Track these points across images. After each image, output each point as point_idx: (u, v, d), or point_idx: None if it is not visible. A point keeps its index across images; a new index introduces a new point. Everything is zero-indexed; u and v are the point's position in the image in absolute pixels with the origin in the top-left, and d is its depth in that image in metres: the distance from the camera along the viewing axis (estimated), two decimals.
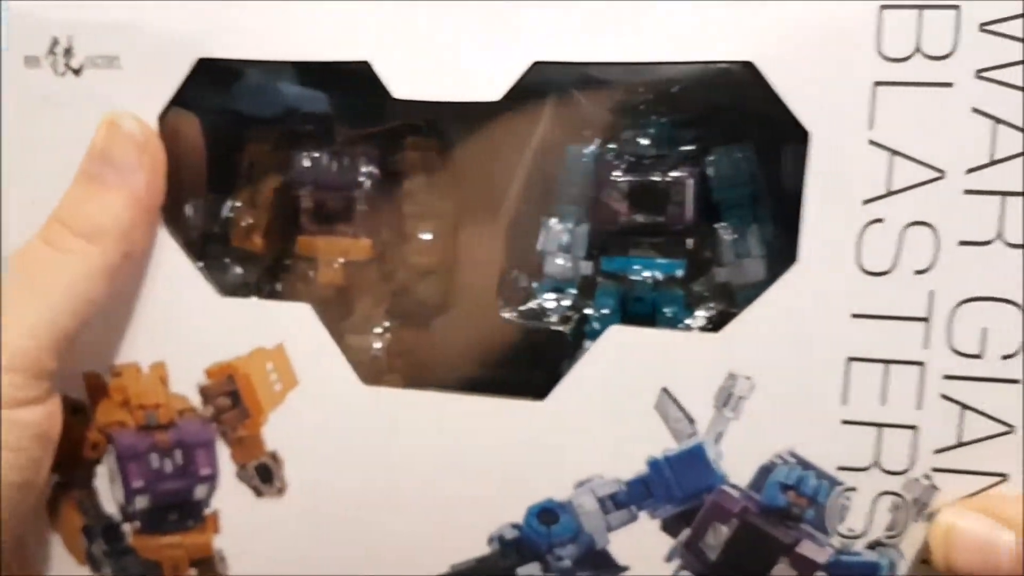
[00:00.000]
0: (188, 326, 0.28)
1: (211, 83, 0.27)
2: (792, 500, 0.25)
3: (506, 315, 0.27)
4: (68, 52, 0.28)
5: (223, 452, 0.29)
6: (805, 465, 0.24)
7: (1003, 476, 0.23)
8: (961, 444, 0.23)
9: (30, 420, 0.26)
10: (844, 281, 0.23)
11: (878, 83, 0.23)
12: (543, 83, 0.25)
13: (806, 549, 0.25)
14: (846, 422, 0.24)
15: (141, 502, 0.29)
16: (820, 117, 0.23)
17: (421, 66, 0.25)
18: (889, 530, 0.24)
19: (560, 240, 0.27)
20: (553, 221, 0.27)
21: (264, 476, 0.28)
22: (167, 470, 0.29)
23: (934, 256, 0.23)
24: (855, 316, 0.24)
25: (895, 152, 0.23)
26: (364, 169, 0.28)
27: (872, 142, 0.23)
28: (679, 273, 0.26)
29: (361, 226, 0.28)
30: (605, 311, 0.27)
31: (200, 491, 0.29)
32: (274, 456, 0.28)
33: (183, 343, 0.28)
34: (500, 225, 0.27)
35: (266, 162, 0.28)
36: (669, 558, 0.26)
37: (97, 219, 0.27)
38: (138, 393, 0.29)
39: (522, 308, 0.27)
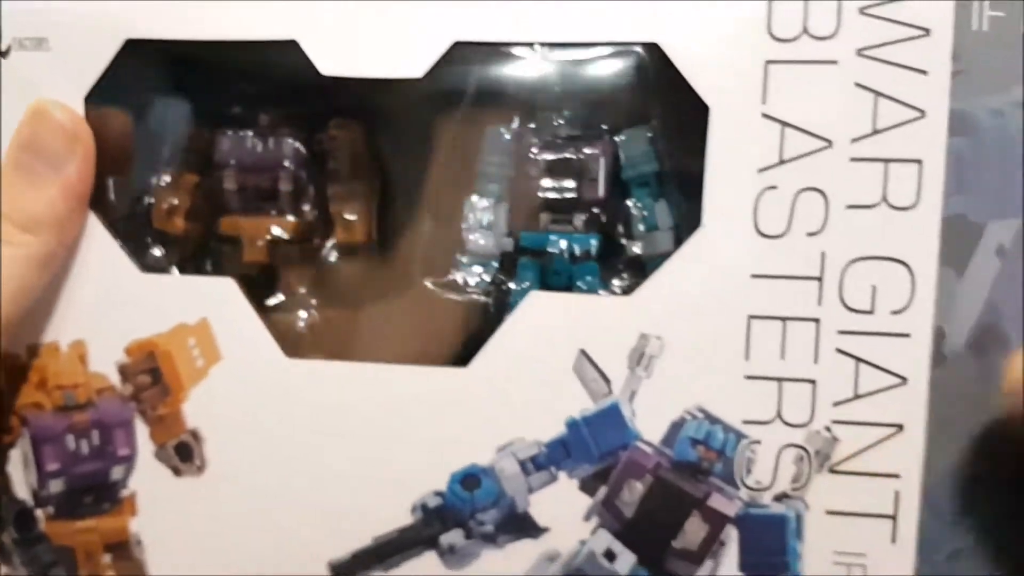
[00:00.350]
0: (108, 303, 0.28)
1: (138, 64, 0.28)
2: (702, 454, 0.26)
3: (430, 288, 0.28)
4: None
5: (142, 432, 0.29)
6: (713, 420, 0.26)
7: (899, 427, 0.25)
8: (858, 396, 0.25)
9: None
10: (743, 244, 0.25)
11: (770, 61, 0.25)
12: (464, 63, 0.27)
13: (716, 502, 0.26)
14: (749, 377, 0.26)
15: (56, 486, 0.29)
16: (718, 93, 0.25)
17: (347, 44, 0.26)
18: (794, 482, 0.26)
19: (482, 218, 0.28)
20: (475, 199, 0.28)
21: (183, 455, 0.28)
22: (83, 452, 0.29)
23: (824, 219, 0.25)
24: (754, 277, 0.25)
25: (786, 124, 0.25)
26: (289, 150, 0.28)
27: (765, 115, 0.25)
28: (594, 247, 0.28)
29: (286, 206, 0.29)
30: (525, 284, 0.28)
31: (117, 472, 0.29)
32: (194, 434, 0.28)
33: (103, 321, 0.28)
34: (423, 203, 0.28)
35: (190, 144, 0.29)
36: (587, 517, 0.27)
37: (33, 210, 0.27)
38: (56, 373, 0.29)
39: (446, 282, 0.28)
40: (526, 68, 0.27)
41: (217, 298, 0.28)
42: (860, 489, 0.25)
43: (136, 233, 0.29)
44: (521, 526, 0.27)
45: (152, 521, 0.29)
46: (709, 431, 0.26)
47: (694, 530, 0.26)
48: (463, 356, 0.27)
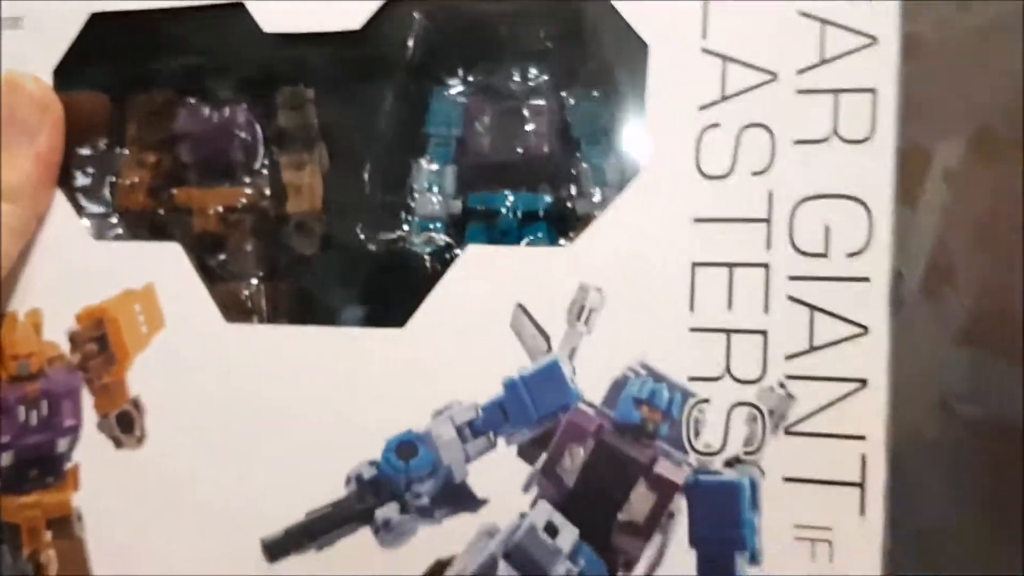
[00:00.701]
0: (64, 272, 0.28)
1: (103, 41, 0.29)
2: (646, 415, 0.24)
3: (374, 250, 0.27)
4: None
5: (88, 402, 0.28)
6: (657, 377, 0.24)
7: (862, 382, 0.23)
8: (814, 348, 0.23)
9: None
10: (685, 187, 0.24)
11: None
12: (405, 15, 0.26)
13: (663, 468, 0.24)
14: (694, 329, 0.24)
15: (6, 458, 0.29)
16: (657, 30, 0.24)
17: (288, 2, 0.27)
18: (747, 445, 0.23)
19: (429, 179, 0.27)
20: (423, 160, 0.27)
21: (124, 425, 0.28)
22: (32, 423, 0.28)
23: (771, 157, 0.23)
24: (697, 221, 0.24)
25: (728, 58, 0.24)
26: (242, 118, 0.28)
27: (706, 50, 0.24)
28: (543, 206, 0.27)
29: (239, 175, 0.29)
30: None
31: (62, 444, 0.28)
32: (136, 403, 0.28)
33: (58, 289, 0.28)
34: (370, 166, 0.28)
35: (150, 118, 0.29)
36: (527, 487, 0.25)
37: (10, 180, 0.28)
38: (12, 343, 0.29)
39: (392, 246, 0.27)
40: (468, 21, 0.27)
41: (164, 264, 0.28)
42: (821, 453, 0.23)
43: (100, 208, 0.29)
44: (459, 498, 0.25)
45: (93, 495, 0.28)
46: (653, 389, 0.24)
47: (640, 500, 0.24)
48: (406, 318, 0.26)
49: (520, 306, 0.25)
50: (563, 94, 0.27)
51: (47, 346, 0.28)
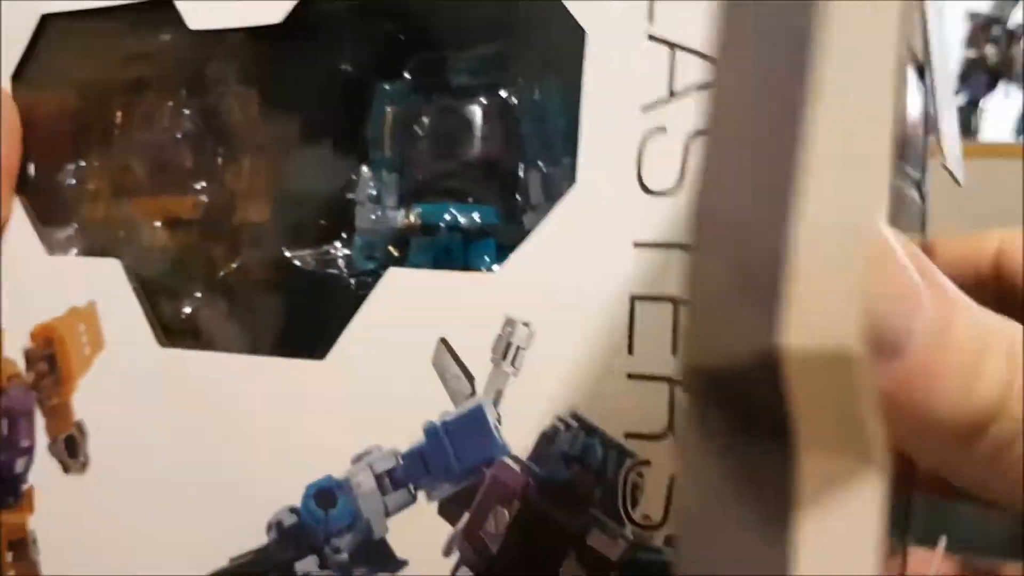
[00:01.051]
0: (22, 287, 0.27)
1: (56, 44, 0.27)
2: (577, 475, 0.20)
3: (307, 271, 0.25)
4: None
5: (40, 423, 0.27)
6: (589, 431, 0.20)
7: None
8: None
9: None
10: (625, 204, 0.20)
11: None
12: (328, 11, 0.23)
13: (596, 541, 0.20)
14: (633, 376, 0.19)
15: None
16: (596, 14, 0.20)
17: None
18: None
19: (370, 190, 0.24)
20: (364, 169, 0.24)
21: (71, 449, 0.26)
22: None
23: None
24: (639, 245, 0.19)
25: (677, 47, 0.19)
26: (188, 125, 0.26)
27: (652, 37, 0.19)
28: (480, 220, 0.23)
29: (188, 185, 0.27)
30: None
31: (20, 464, 0.27)
32: (80, 427, 0.26)
33: (15, 304, 0.27)
34: (312, 174, 0.25)
35: (102, 126, 0.28)
36: (448, 551, 0.21)
37: None
38: None
39: (326, 264, 0.25)
40: (398, 15, 0.23)
41: (104, 280, 0.26)
42: None
43: (59, 218, 0.28)
44: (378, 556, 0.22)
45: (46, 519, 0.27)
46: (586, 445, 0.20)
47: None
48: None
49: (443, 340, 0.21)
50: (504, 93, 0.23)
51: (7, 363, 0.28)
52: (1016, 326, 0.14)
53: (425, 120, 0.23)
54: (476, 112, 0.23)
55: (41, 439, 0.27)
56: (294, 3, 0.23)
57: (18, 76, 0.28)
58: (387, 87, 0.24)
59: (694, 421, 0.13)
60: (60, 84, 0.28)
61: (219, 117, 0.26)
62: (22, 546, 0.27)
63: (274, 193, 0.25)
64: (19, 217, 0.27)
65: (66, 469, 0.27)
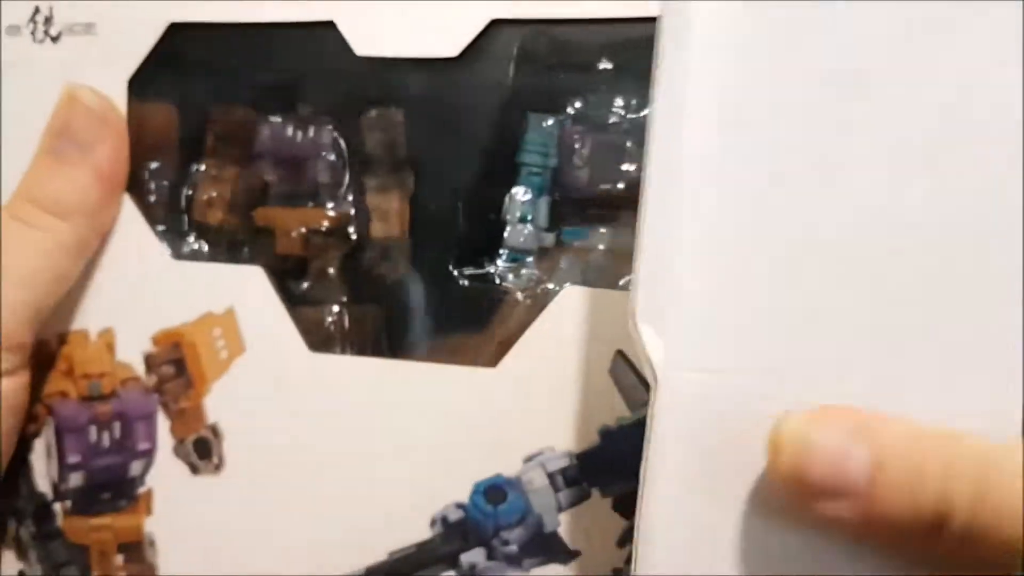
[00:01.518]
0: (139, 291, 0.28)
1: (182, 52, 0.28)
2: None
3: (463, 283, 0.26)
4: (48, 20, 0.28)
5: (163, 426, 0.27)
6: None
7: None
8: None
9: (6, 391, 0.26)
10: None
11: None
12: (502, 42, 0.25)
13: None
14: None
15: (75, 479, 0.28)
16: None
17: (383, 24, 0.25)
18: None
19: (522, 210, 0.26)
20: (516, 190, 0.26)
21: (202, 451, 0.27)
22: (104, 444, 0.28)
23: None
24: None
25: None
26: (327, 139, 0.27)
27: None
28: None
29: (323, 197, 0.28)
30: (566, 284, 0.26)
31: (136, 467, 0.28)
32: (214, 429, 0.27)
33: (133, 308, 0.28)
34: (460, 194, 0.27)
35: (230, 133, 0.28)
36: (622, 542, 0.24)
37: (65, 196, 0.27)
38: (83, 361, 0.28)
39: (481, 277, 0.26)
40: (567, 48, 0.25)
41: (245, 287, 0.27)
42: None
43: (175, 222, 0.29)
44: (549, 548, 0.24)
45: (166, 521, 0.27)
46: None
47: None
48: (496, 356, 0.25)
49: (620, 352, 0.24)
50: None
51: (120, 367, 0.28)
52: (949, 437, 0.16)
53: (583, 148, 0.26)
54: (627, 145, 0.25)
55: (165, 442, 0.27)
56: (472, 37, 0.25)
57: (138, 80, 0.28)
58: (544, 113, 0.26)
59: None
60: (180, 93, 0.28)
61: (361, 133, 0.27)
62: (136, 549, 0.28)
63: (414, 211, 0.27)
64: (137, 223, 0.28)
65: (195, 471, 0.27)
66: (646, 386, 0.23)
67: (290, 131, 0.28)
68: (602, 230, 0.26)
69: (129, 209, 0.28)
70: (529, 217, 0.26)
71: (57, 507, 0.28)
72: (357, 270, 0.27)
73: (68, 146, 0.27)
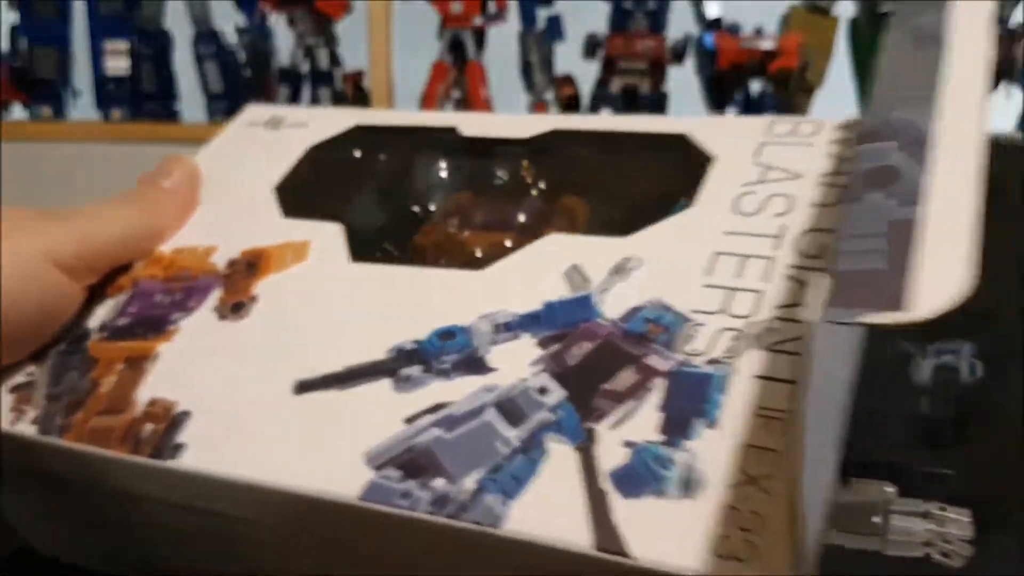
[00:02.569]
0: (246, 229, 0.38)
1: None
2: (650, 329, 0.29)
3: None
4: (276, 120, 0.44)
5: (216, 294, 0.35)
6: (667, 308, 0.29)
7: None
8: (797, 305, 0.28)
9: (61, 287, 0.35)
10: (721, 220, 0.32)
11: None
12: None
13: (652, 360, 0.28)
14: (707, 286, 0.30)
15: (123, 320, 0.35)
16: None
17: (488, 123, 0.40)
18: (728, 353, 0.27)
19: None
20: None
21: (236, 309, 0.34)
22: (164, 303, 0.35)
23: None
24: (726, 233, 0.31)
25: None
26: (524, 207, 0.40)
27: None
28: None
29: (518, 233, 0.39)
30: None
31: (176, 316, 0.34)
32: (253, 297, 0.34)
33: (237, 236, 0.37)
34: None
35: (447, 203, 0.41)
36: (534, 363, 0.29)
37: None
38: (184, 260, 0.37)
39: None
40: None
41: (323, 234, 0.37)
42: (793, 364, 0.26)
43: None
44: (474, 366, 0.29)
45: (176, 345, 0.33)
46: (661, 313, 0.29)
47: (625, 377, 0.27)
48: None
49: (574, 264, 0.32)
50: None
51: (209, 265, 0.37)
52: None
53: None
54: None
55: (211, 304, 0.35)
56: (542, 131, 0.39)
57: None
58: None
59: None
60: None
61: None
62: (138, 361, 0.33)
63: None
64: (262, 187, 0.39)
65: (221, 317, 0.34)
66: (587, 281, 0.31)
67: (495, 202, 0.41)
68: None
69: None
70: None
71: (95, 336, 0.34)
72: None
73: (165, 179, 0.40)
